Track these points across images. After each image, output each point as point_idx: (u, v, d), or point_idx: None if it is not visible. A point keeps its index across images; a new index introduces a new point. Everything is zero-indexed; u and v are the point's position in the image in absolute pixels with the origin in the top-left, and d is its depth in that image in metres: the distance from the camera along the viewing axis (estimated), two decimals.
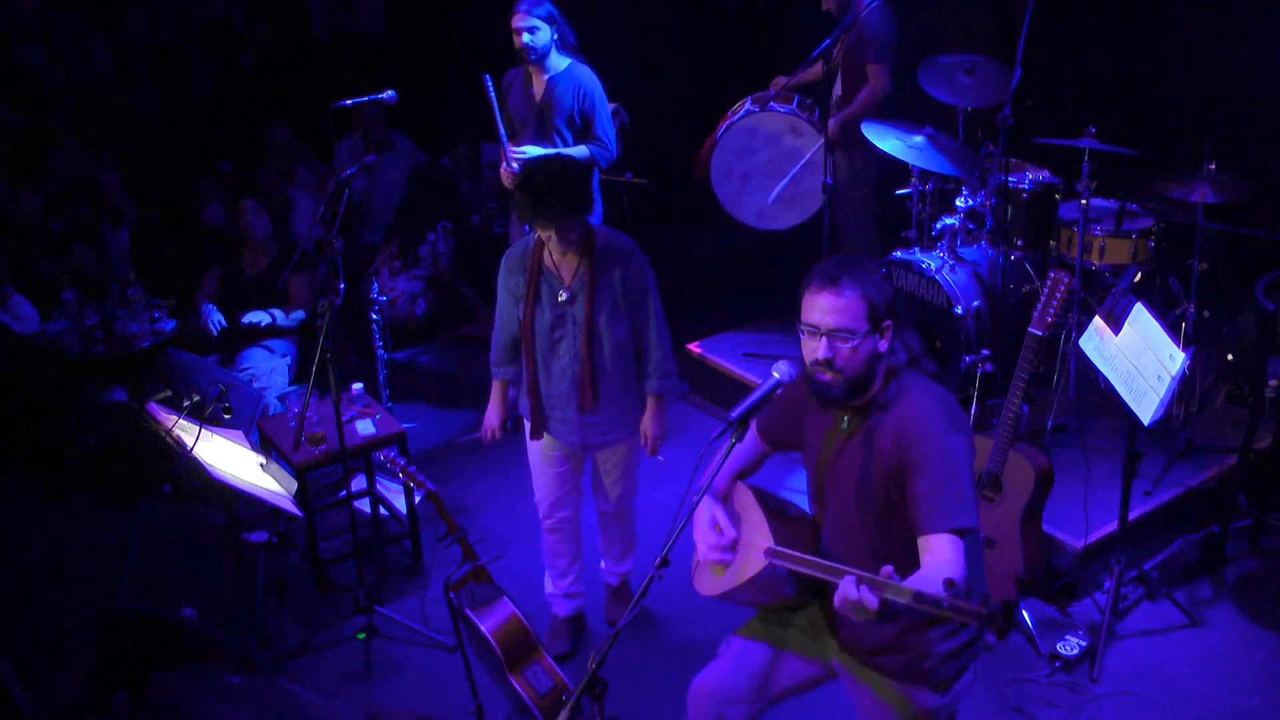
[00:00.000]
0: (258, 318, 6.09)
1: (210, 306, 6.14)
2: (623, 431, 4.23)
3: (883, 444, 2.83)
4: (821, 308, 2.80)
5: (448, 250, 7.13)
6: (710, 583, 3.14)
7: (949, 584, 2.40)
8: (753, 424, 2.84)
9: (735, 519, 3.13)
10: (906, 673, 2.97)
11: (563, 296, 4.04)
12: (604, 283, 4.02)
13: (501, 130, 5.42)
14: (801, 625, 3.17)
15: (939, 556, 2.71)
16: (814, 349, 2.82)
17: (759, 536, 3.01)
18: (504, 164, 5.43)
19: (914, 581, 2.59)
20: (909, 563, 2.79)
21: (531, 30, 5.32)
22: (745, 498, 3.15)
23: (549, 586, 4.57)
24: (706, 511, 3.13)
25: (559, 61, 5.44)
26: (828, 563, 2.76)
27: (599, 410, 4.15)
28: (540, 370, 4.16)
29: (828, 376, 2.81)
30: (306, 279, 6.23)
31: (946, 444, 2.78)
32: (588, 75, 5.45)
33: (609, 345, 4.08)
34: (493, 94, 5.37)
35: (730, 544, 3.06)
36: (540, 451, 4.32)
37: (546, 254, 4.04)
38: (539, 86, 5.46)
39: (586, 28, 5.56)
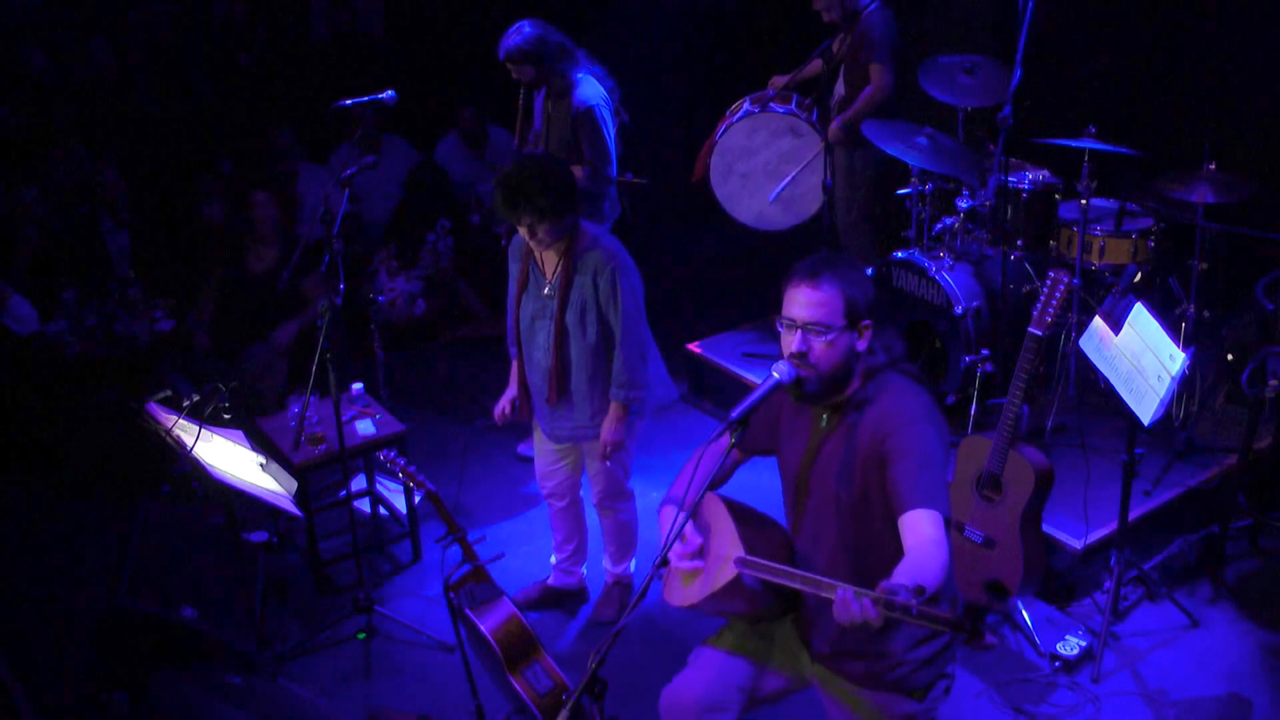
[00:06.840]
0: None
1: None
2: (591, 432, 4.28)
3: (863, 436, 2.84)
4: (799, 301, 2.81)
5: (448, 250, 7.12)
6: (679, 593, 3.11)
7: (918, 590, 2.38)
8: (727, 434, 2.82)
9: (705, 529, 3.10)
10: (878, 680, 2.97)
11: (545, 290, 4.13)
12: (576, 285, 4.07)
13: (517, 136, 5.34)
14: (773, 635, 3.16)
15: (924, 533, 2.66)
16: (790, 341, 2.83)
17: (730, 546, 2.98)
18: None
19: (904, 568, 2.57)
20: (884, 563, 2.77)
21: (517, 73, 5.16)
22: (716, 508, 3.11)
23: (551, 558, 4.76)
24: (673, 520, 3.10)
25: (565, 80, 5.17)
26: (799, 571, 2.76)
27: (564, 406, 4.25)
28: (525, 355, 4.29)
29: (804, 370, 2.82)
30: (315, 279, 6.16)
31: (922, 431, 2.79)
32: (586, 95, 5.15)
33: (576, 347, 4.14)
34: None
35: (696, 550, 3.03)
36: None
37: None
38: (549, 104, 5.30)
39: (587, 27, 5.54)
